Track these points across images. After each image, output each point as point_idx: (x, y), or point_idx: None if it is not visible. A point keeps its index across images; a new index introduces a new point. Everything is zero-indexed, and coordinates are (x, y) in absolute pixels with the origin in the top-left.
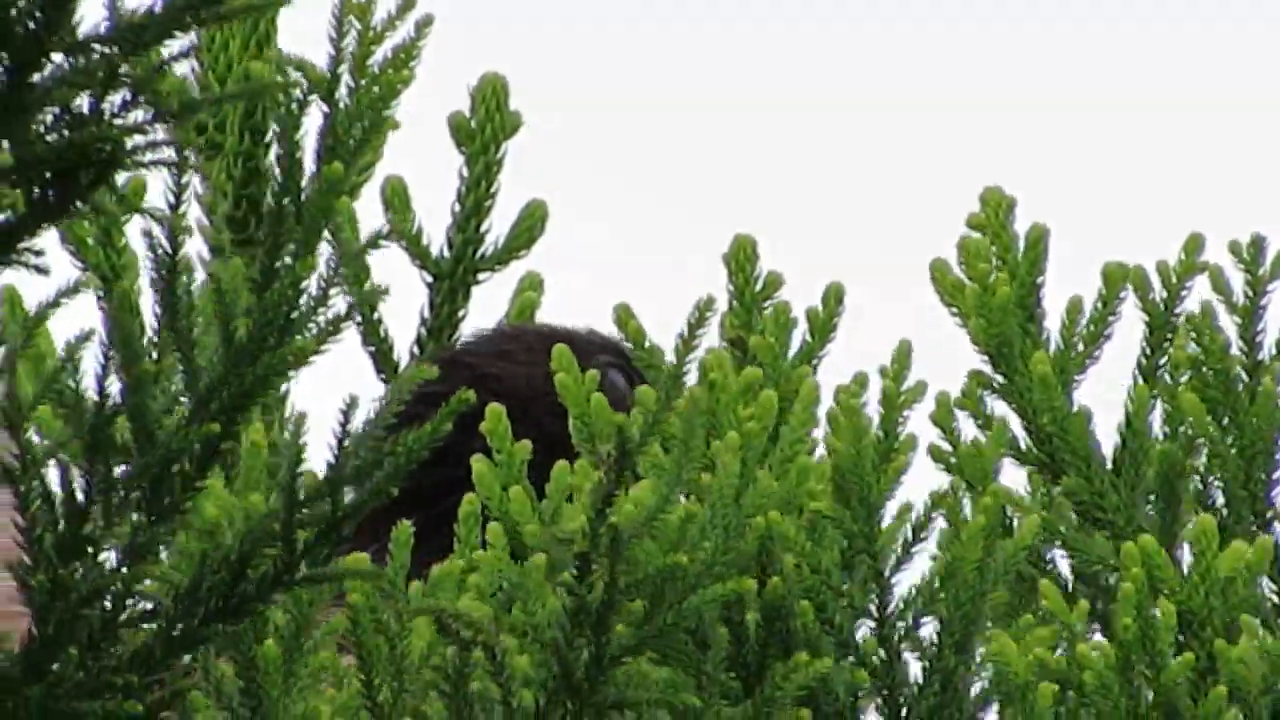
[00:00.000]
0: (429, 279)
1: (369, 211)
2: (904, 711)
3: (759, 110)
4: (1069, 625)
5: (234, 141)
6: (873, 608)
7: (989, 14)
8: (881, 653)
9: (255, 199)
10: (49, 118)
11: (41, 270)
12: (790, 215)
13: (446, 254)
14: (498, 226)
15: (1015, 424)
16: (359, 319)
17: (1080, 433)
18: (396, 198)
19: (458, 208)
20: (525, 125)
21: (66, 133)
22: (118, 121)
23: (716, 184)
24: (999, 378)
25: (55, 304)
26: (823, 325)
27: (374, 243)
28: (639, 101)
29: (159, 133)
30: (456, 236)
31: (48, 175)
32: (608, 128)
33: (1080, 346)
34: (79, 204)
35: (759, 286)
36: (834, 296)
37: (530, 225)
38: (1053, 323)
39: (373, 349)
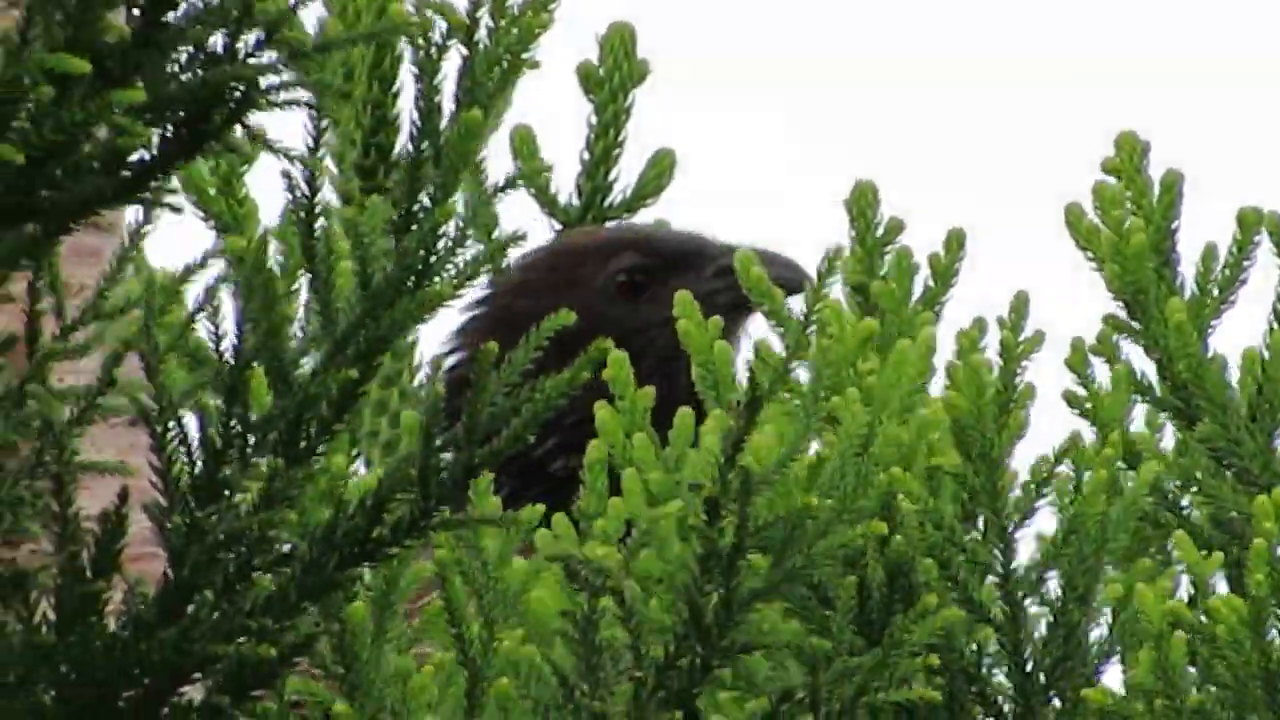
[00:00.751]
0: (557, 227)
1: (498, 160)
2: (1029, 665)
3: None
4: (1202, 578)
5: (363, 89)
6: (996, 562)
7: None
8: (1005, 606)
9: (384, 147)
10: (183, 57)
11: (174, 209)
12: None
13: (575, 202)
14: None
15: (1150, 370)
16: (490, 267)
17: (1216, 379)
18: (525, 146)
19: (586, 156)
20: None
21: (200, 72)
22: (251, 61)
23: (840, 139)
24: (1133, 323)
25: (186, 278)
26: (945, 270)
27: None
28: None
29: (292, 72)
30: (585, 184)
31: (181, 114)
32: (742, 82)
33: (1215, 292)
34: (212, 143)
35: (880, 232)
36: (956, 241)
37: (659, 173)
38: (1186, 268)
39: None
